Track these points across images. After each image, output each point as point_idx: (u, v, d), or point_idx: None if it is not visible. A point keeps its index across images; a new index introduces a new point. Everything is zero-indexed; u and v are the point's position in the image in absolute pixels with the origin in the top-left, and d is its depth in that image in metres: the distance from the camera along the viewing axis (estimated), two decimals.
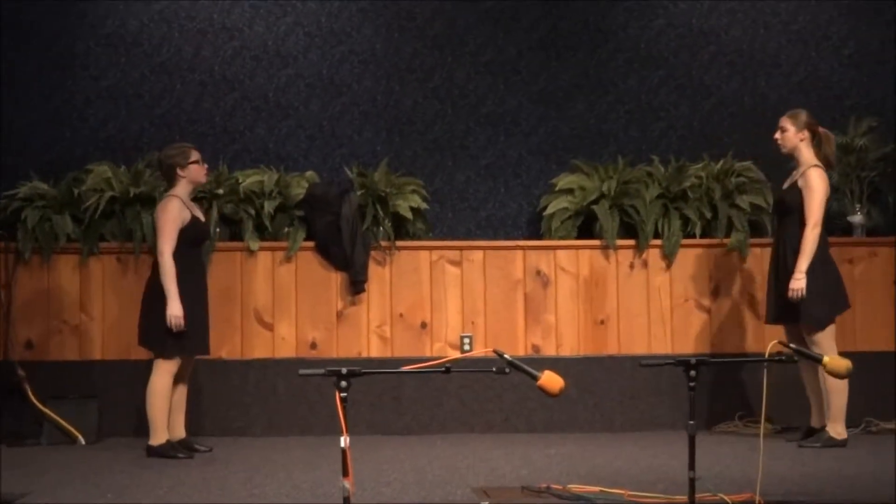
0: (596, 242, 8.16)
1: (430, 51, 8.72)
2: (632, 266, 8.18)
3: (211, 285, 7.25)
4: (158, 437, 6.84)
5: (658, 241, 8.13)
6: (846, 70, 8.84)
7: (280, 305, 8.02)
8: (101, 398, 7.76)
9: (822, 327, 6.98)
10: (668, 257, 8.14)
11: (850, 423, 7.47)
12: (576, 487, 5.39)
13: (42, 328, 7.92)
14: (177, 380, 6.94)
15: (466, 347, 8.06)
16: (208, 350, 7.15)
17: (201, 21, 8.63)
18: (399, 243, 8.10)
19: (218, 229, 7.92)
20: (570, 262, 8.17)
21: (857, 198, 8.34)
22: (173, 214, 6.84)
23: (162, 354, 6.85)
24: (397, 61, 8.71)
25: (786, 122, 7.15)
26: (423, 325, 8.09)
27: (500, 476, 6.00)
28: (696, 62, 8.81)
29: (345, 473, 4.05)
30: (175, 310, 6.74)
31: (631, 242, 8.16)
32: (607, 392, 8.03)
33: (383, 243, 8.07)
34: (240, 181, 8.08)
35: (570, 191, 8.28)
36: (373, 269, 8.06)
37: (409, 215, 8.08)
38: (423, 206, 8.22)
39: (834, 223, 8.39)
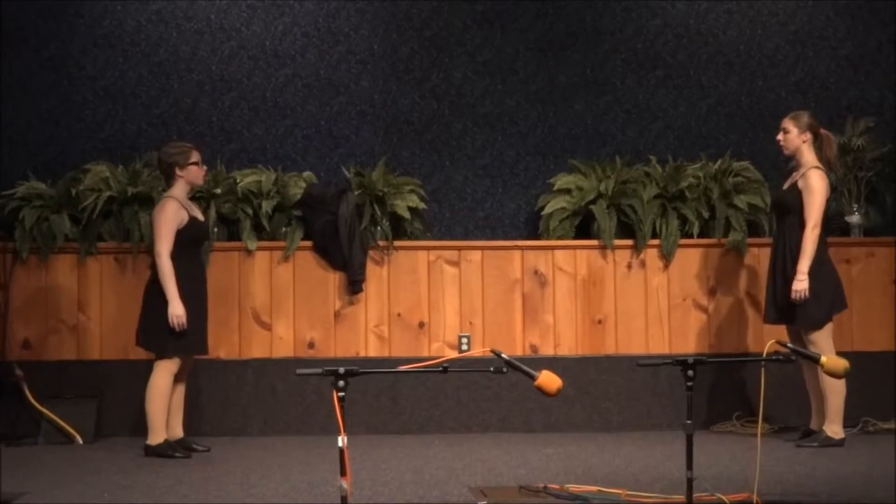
0: (594, 242, 8.16)
1: (428, 51, 8.72)
2: (629, 266, 8.18)
3: (209, 285, 7.24)
4: (156, 437, 6.84)
5: (656, 241, 8.14)
6: (843, 70, 8.85)
7: (278, 305, 8.02)
8: (99, 398, 7.76)
9: (819, 327, 6.99)
10: (666, 257, 8.14)
11: (848, 423, 7.48)
12: (573, 487, 5.40)
13: (40, 328, 7.92)
14: (175, 380, 6.94)
15: (464, 347, 8.06)
16: (207, 350, 7.15)
17: (199, 21, 8.63)
18: (397, 243, 8.10)
19: (216, 229, 7.92)
20: (567, 261, 8.17)
21: (854, 198, 8.35)
22: (170, 216, 6.85)
23: (163, 354, 6.85)
24: (395, 61, 8.71)
25: (788, 124, 7.17)
26: (421, 325, 8.09)
27: (498, 476, 6.00)
28: (693, 62, 8.81)
29: (342, 473, 4.06)
30: (176, 309, 6.75)
31: (629, 242, 8.16)
32: (605, 392, 8.03)
33: (381, 243, 8.07)
34: (237, 181, 8.08)
35: (567, 191, 8.28)
36: (370, 269, 8.06)
37: (407, 215, 8.08)
38: (421, 205, 8.22)
39: (832, 223, 8.39)
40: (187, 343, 6.87)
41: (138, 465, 6.54)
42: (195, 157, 7.00)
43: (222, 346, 7.87)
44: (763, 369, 5.09)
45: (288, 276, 8.04)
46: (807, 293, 6.90)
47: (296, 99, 8.65)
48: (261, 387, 7.92)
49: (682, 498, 4.64)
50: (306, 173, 8.32)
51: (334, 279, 8.06)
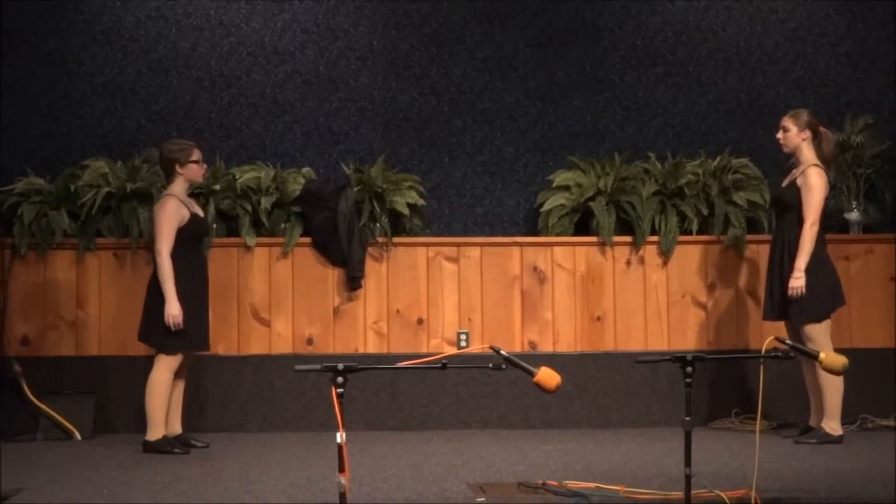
0: (593, 239, 8.16)
1: (427, 47, 8.71)
2: (628, 263, 8.18)
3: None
4: (155, 433, 6.84)
5: (655, 238, 8.14)
6: (843, 67, 8.84)
7: (277, 301, 8.02)
8: (98, 394, 7.77)
9: (816, 322, 6.99)
10: (665, 254, 8.14)
11: (846, 419, 7.49)
12: (572, 483, 5.40)
13: (38, 324, 7.92)
14: (175, 376, 6.95)
15: (463, 344, 8.06)
16: (208, 346, 7.16)
17: (198, 17, 8.62)
18: (396, 240, 8.10)
19: (215, 225, 7.92)
20: (566, 258, 8.17)
21: (853, 195, 8.35)
22: (171, 214, 6.85)
23: (164, 350, 6.85)
24: (394, 58, 8.70)
25: (788, 122, 7.18)
26: (420, 322, 8.09)
27: (497, 472, 6.00)
28: (692, 59, 8.81)
29: (341, 469, 4.06)
30: (173, 309, 6.75)
31: (628, 239, 8.16)
32: (604, 388, 8.03)
33: (380, 239, 8.07)
34: (236, 177, 8.08)
35: (566, 187, 8.28)
36: (369, 266, 8.06)
37: (406, 212, 8.08)
38: (420, 202, 8.21)
39: (831, 220, 8.39)
40: (189, 339, 6.88)
41: (137, 462, 6.54)
42: (196, 155, 7.00)
43: (221, 342, 7.87)
44: (762, 366, 5.09)
45: (287, 273, 8.04)
46: (803, 290, 6.92)
47: (295, 95, 8.65)
48: (259, 383, 7.93)
49: (680, 494, 4.64)
50: (305, 170, 8.31)
51: (333, 276, 8.06)
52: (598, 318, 8.15)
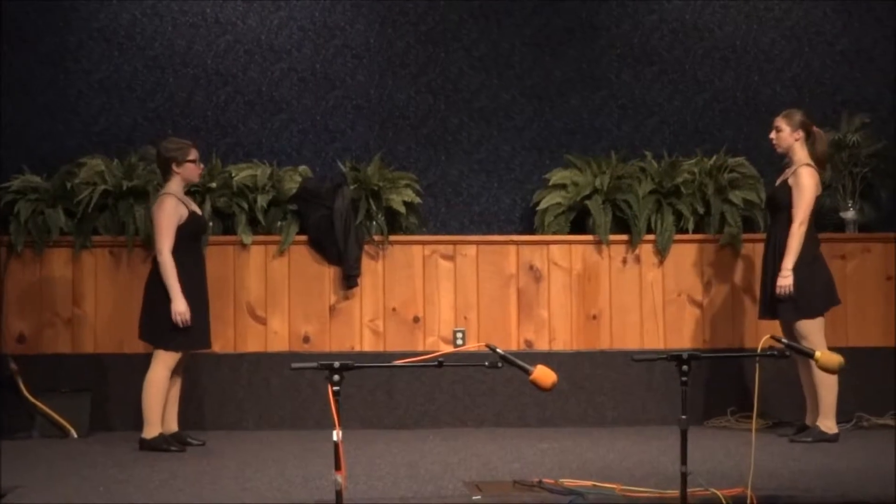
0: (589, 237, 8.17)
1: (424, 45, 8.71)
2: (624, 261, 8.19)
3: None
4: (151, 431, 6.84)
5: (651, 237, 8.14)
6: (839, 66, 8.85)
7: (273, 299, 8.02)
8: (94, 391, 7.76)
9: (809, 319, 6.99)
10: (661, 252, 8.15)
11: (842, 418, 7.50)
12: (568, 482, 5.41)
13: (34, 321, 7.91)
14: (172, 374, 6.95)
15: (459, 342, 8.06)
16: (210, 344, 7.15)
17: (194, 15, 8.61)
18: (392, 238, 8.10)
19: (211, 223, 7.91)
20: (563, 256, 8.18)
21: (849, 194, 8.36)
22: (169, 213, 6.86)
23: (165, 347, 6.85)
24: (391, 56, 8.70)
25: (781, 122, 7.20)
26: (416, 320, 8.09)
27: (493, 470, 6.01)
28: (689, 58, 8.81)
29: (337, 467, 4.06)
30: (180, 306, 6.76)
31: (624, 237, 8.17)
32: (600, 387, 8.04)
33: (376, 238, 8.07)
34: (233, 175, 8.07)
35: (563, 186, 8.28)
36: (366, 264, 8.06)
37: (403, 210, 8.08)
38: (417, 200, 8.22)
39: (826, 219, 8.41)
40: (190, 338, 6.88)
41: (133, 459, 6.54)
42: (193, 154, 7.01)
43: (217, 340, 7.85)
44: (758, 364, 5.11)
45: (283, 271, 8.04)
46: (791, 289, 6.94)
47: (291, 93, 8.64)
48: (256, 381, 7.92)
49: (676, 493, 4.65)
50: (302, 168, 8.31)
51: (329, 273, 8.06)
52: (595, 317, 8.15)
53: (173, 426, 7.07)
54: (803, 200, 7.02)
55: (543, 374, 4.25)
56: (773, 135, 7.23)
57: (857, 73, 8.84)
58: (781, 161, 7.56)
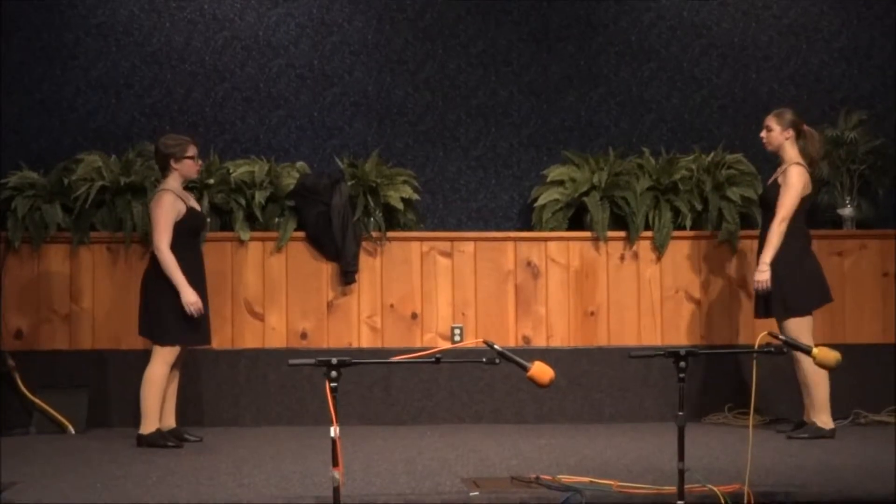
0: (586, 234, 8.17)
1: (422, 42, 8.71)
2: (622, 258, 8.19)
3: None
4: (149, 426, 6.84)
5: (648, 233, 8.15)
6: (837, 63, 8.85)
7: (270, 296, 8.02)
8: (92, 388, 7.76)
9: (795, 316, 7.02)
10: (659, 249, 8.15)
11: (839, 415, 7.51)
12: (565, 478, 5.41)
13: (32, 318, 7.91)
14: (170, 370, 6.95)
15: (457, 338, 8.06)
16: (209, 340, 7.15)
17: (192, 11, 8.61)
18: (390, 234, 8.10)
19: (209, 219, 7.91)
20: (560, 253, 8.18)
21: (847, 190, 8.36)
22: (167, 209, 6.85)
23: (162, 343, 6.86)
24: (388, 52, 8.70)
25: (771, 121, 7.22)
26: (414, 316, 8.09)
27: (490, 467, 6.01)
28: (686, 55, 8.81)
29: (335, 464, 4.06)
30: (189, 297, 6.77)
31: (621, 234, 8.17)
32: (597, 383, 8.04)
33: (374, 234, 8.07)
34: (230, 171, 8.07)
35: (560, 182, 8.28)
36: (363, 260, 8.06)
37: (400, 206, 8.09)
38: (414, 197, 8.22)
39: (824, 216, 8.42)
40: (189, 333, 6.88)
41: (131, 456, 6.54)
42: (192, 151, 7.00)
43: (215, 336, 7.82)
44: (755, 361, 5.10)
45: (281, 267, 8.04)
46: (768, 284, 6.97)
47: (289, 89, 8.64)
48: (253, 377, 7.93)
49: (673, 489, 4.65)
50: (299, 164, 8.31)
51: (327, 270, 8.06)
52: (592, 313, 8.16)
53: (171, 422, 7.07)
54: (788, 197, 7.03)
55: (541, 371, 4.25)
56: (763, 134, 7.25)
57: (855, 70, 8.84)
58: (778, 158, 7.56)
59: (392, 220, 8.15)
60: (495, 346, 4.26)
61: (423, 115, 8.68)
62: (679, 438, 4.48)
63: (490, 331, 8.02)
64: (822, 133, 7.56)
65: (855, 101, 8.69)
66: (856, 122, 8.40)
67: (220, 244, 7.97)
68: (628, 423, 7.91)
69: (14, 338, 7.87)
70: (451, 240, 8.19)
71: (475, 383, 7.97)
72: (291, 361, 4.26)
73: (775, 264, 7.03)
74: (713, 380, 7.95)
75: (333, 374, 4.08)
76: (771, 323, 7.22)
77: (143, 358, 6.95)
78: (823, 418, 7.04)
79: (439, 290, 8.10)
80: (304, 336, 8.01)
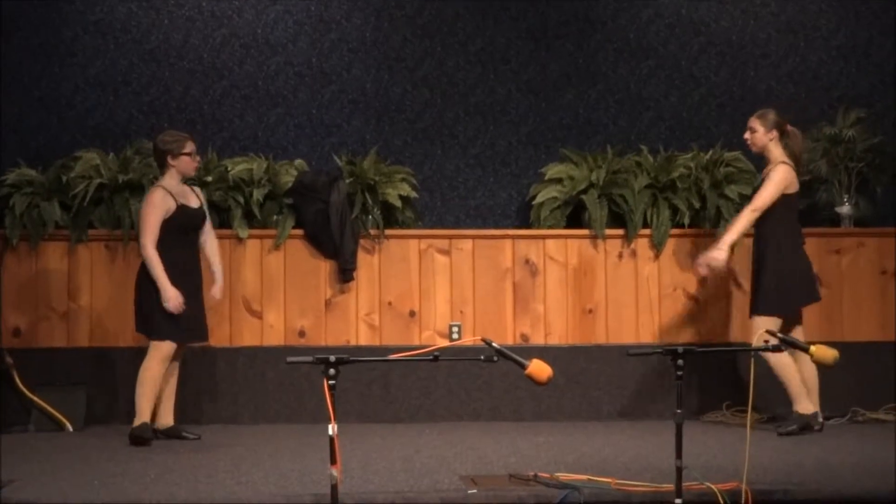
0: (585, 232, 8.17)
1: (420, 40, 8.71)
2: (620, 255, 8.19)
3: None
4: (137, 420, 6.86)
5: (647, 231, 8.15)
6: (835, 61, 8.85)
7: (268, 293, 8.02)
8: (90, 385, 7.76)
9: (766, 313, 7.07)
10: (657, 247, 8.15)
11: (837, 412, 7.54)
12: (563, 476, 5.41)
13: (30, 315, 7.91)
14: (168, 368, 6.96)
15: (455, 336, 8.06)
16: (205, 337, 7.13)
17: (190, 9, 8.61)
18: (388, 232, 8.10)
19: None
20: (558, 251, 8.18)
21: (845, 188, 8.36)
22: (153, 206, 6.86)
23: (156, 338, 6.87)
24: (387, 50, 8.70)
25: (755, 123, 7.26)
26: (412, 314, 8.09)
27: (488, 464, 6.01)
28: (685, 53, 8.82)
29: (333, 461, 4.06)
30: (168, 293, 6.77)
31: (619, 232, 8.17)
32: (595, 381, 8.04)
33: (372, 232, 8.07)
34: (229, 169, 8.07)
35: (559, 180, 8.28)
36: (361, 258, 8.06)
37: (399, 204, 8.08)
38: (413, 194, 8.22)
39: (822, 214, 8.43)
40: (183, 329, 6.88)
41: (129, 453, 6.54)
42: (189, 147, 6.99)
43: (213, 333, 7.84)
44: (753, 359, 5.11)
45: (279, 265, 8.04)
46: (722, 264, 7.02)
47: (287, 87, 8.64)
48: (251, 375, 7.93)
49: (671, 487, 4.65)
50: (298, 161, 8.31)
51: (325, 267, 8.06)
52: (590, 311, 8.16)
53: (169, 420, 7.08)
54: (765, 190, 7.09)
55: (539, 369, 4.25)
56: (747, 135, 7.31)
57: (853, 68, 8.85)
58: (764, 159, 7.57)
59: (390, 217, 8.14)
60: (493, 344, 4.26)
61: (422, 112, 8.68)
62: (677, 436, 4.48)
63: (488, 328, 8.03)
64: (806, 132, 7.58)
65: (853, 99, 8.69)
66: (854, 120, 8.40)
67: (219, 242, 7.94)
68: (626, 420, 7.91)
69: (12, 335, 7.87)
70: (450, 237, 8.19)
71: (473, 381, 7.98)
72: (290, 359, 4.26)
73: (766, 261, 7.09)
74: (711, 378, 7.95)
75: (331, 371, 4.08)
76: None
77: (142, 355, 6.95)
78: (803, 404, 7.10)
79: (437, 288, 8.11)
80: (302, 334, 8.01)
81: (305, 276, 8.04)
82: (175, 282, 6.81)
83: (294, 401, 7.88)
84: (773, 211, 7.11)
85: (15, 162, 8.11)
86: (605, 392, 8.04)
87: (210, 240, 7.23)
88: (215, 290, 7.18)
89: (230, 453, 6.49)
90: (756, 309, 7.16)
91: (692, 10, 8.83)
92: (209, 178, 7.96)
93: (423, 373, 7.94)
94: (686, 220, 8.14)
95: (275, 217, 8.06)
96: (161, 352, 6.88)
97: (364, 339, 8.05)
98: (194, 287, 7.01)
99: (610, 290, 8.16)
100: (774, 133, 7.21)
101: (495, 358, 4.26)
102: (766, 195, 7.08)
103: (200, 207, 7.16)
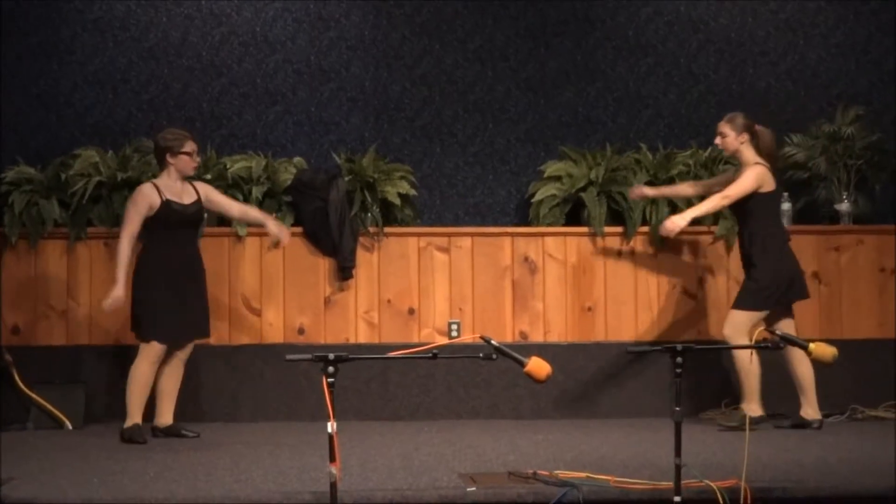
0: (584, 229, 8.17)
1: (419, 37, 8.70)
2: (619, 253, 8.19)
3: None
4: (127, 420, 6.88)
5: (646, 229, 8.15)
6: (834, 59, 8.85)
7: (268, 291, 8.02)
8: (88, 384, 7.76)
9: (741, 308, 7.16)
10: (656, 244, 8.15)
11: (836, 410, 7.55)
12: (562, 473, 5.41)
13: (29, 313, 7.91)
14: (171, 366, 6.95)
15: (454, 334, 8.06)
16: (199, 336, 7.11)
17: (189, 6, 8.60)
18: (387, 229, 8.10)
19: (206, 215, 7.90)
20: (557, 248, 8.18)
21: (844, 186, 8.36)
22: (133, 201, 6.92)
23: (142, 338, 6.91)
24: (385, 48, 8.69)
25: (724, 128, 7.31)
26: (411, 312, 8.09)
27: (487, 462, 6.01)
28: (684, 50, 8.81)
29: (332, 459, 4.07)
30: (117, 292, 6.83)
31: (618, 229, 8.17)
32: (594, 379, 8.05)
33: (371, 229, 8.07)
34: (227, 167, 8.06)
35: (558, 178, 8.28)
36: (361, 255, 8.06)
37: (398, 201, 8.08)
38: (412, 192, 8.22)
39: (821, 211, 8.43)
40: (167, 330, 6.87)
41: (128, 451, 6.54)
42: (189, 147, 6.99)
43: (212, 331, 7.85)
44: (752, 356, 5.11)
45: (278, 262, 8.04)
46: (675, 228, 7.13)
47: (286, 85, 8.64)
48: (250, 373, 7.92)
49: (670, 485, 4.66)
50: (296, 159, 8.31)
51: (324, 265, 8.06)
52: (589, 309, 8.16)
53: (168, 419, 7.08)
54: (738, 186, 7.15)
55: (538, 366, 4.25)
56: (718, 140, 7.36)
57: (852, 65, 8.84)
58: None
59: (389, 215, 8.14)
60: (492, 342, 4.26)
61: (421, 110, 8.68)
62: (676, 434, 4.49)
63: (487, 326, 8.02)
64: (774, 131, 7.63)
65: (852, 97, 8.69)
66: (853, 118, 8.40)
67: (218, 239, 7.97)
68: (625, 418, 7.91)
69: (11, 333, 7.87)
70: (449, 235, 8.19)
71: (472, 379, 7.98)
72: (289, 357, 4.27)
73: (753, 260, 7.19)
74: (710, 375, 7.94)
75: (330, 369, 4.08)
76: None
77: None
78: (753, 406, 7.17)
79: (436, 286, 8.11)
80: (301, 331, 8.01)
81: (304, 274, 8.04)
82: (158, 280, 6.84)
83: (293, 398, 7.88)
84: (752, 212, 7.20)
85: (14, 160, 8.11)
86: (603, 390, 8.04)
87: (236, 207, 7.30)
88: (273, 230, 7.18)
89: (229, 451, 6.49)
90: (736, 302, 7.25)
91: (691, 7, 8.82)
92: (208, 176, 7.95)
93: (422, 370, 7.94)
94: None
95: (274, 215, 8.05)
96: (148, 353, 6.88)
97: (363, 336, 8.05)
98: (181, 286, 6.97)
99: (609, 287, 8.16)
100: (745, 136, 7.27)
101: (494, 356, 4.27)
102: (740, 187, 7.14)
103: (195, 203, 7.07)
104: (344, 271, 8.01)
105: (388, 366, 7.89)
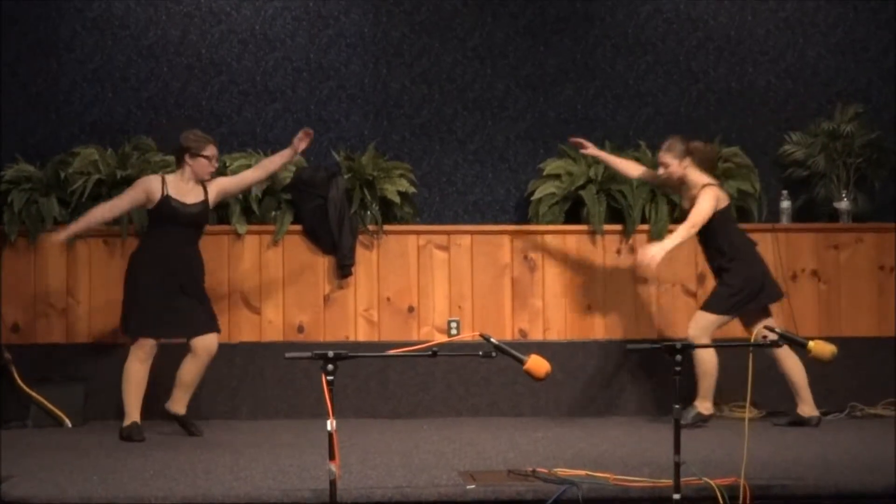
0: (583, 227, 8.17)
1: (418, 35, 8.70)
2: (619, 251, 8.20)
3: None
4: (125, 419, 6.89)
5: (645, 227, 8.15)
6: (833, 57, 8.85)
7: (267, 289, 8.02)
8: (88, 381, 7.76)
9: (706, 311, 7.21)
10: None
11: (835, 407, 7.55)
12: (562, 471, 5.41)
13: (29, 311, 7.91)
14: (192, 358, 6.96)
15: (453, 332, 8.06)
16: (185, 334, 7.03)
17: (188, 4, 8.60)
18: (386, 227, 8.10)
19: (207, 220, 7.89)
20: (557, 246, 8.18)
21: (843, 184, 8.37)
22: (137, 185, 7.00)
23: (129, 335, 6.97)
24: (385, 46, 8.69)
25: (665, 157, 7.37)
26: (411, 310, 8.09)
27: (487, 460, 6.01)
28: (683, 48, 8.81)
29: (331, 457, 4.07)
30: (60, 234, 7.02)
31: (618, 227, 8.17)
32: (594, 376, 8.05)
33: (371, 227, 8.07)
34: (227, 165, 8.06)
35: (557, 176, 8.29)
36: (360, 253, 8.06)
37: (397, 199, 8.08)
38: (411, 190, 8.22)
39: (820, 209, 8.43)
40: (154, 326, 6.87)
41: (127, 449, 6.54)
42: (209, 151, 6.99)
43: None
44: (751, 355, 5.12)
45: (277, 260, 8.04)
46: (654, 262, 7.06)
47: (285, 83, 8.64)
48: (250, 371, 7.93)
49: (669, 482, 4.66)
50: (296, 157, 8.29)
51: (324, 263, 8.06)
52: (589, 307, 8.16)
53: (180, 409, 7.07)
54: (699, 212, 7.13)
55: (537, 364, 4.26)
56: (661, 171, 7.36)
57: (851, 63, 8.84)
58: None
59: (388, 213, 8.14)
60: (492, 340, 4.27)
61: (420, 108, 8.68)
62: (675, 431, 4.49)
63: (487, 324, 8.03)
64: (709, 143, 7.68)
65: (851, 94, 8.69)
66: (852, 115, 8.41)
67: (217, 237, 7.96)
68: (624, 416, 7.92)
69: (10, 331, 7.87)
70: (448, 233, 8.19)
71: (472, 377, 7.98)
72: (288, 355, 4.27)
73: (724, 271, 7.23)
74: None
75: (330, 367, 4.08)
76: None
77: None
78: (706, 404, 7.24)
79: (436, 284, 8.11)
80: (300, 329, 8.02)
81: (304, 272, 8.04)
82: (149, 278, 6.86)
83: (293, 396, 7.88)
84: (716, 230, 7.23)
85: (13, 158, 8.11)
86: (603, 387, 8.05)
87: (249, 174, 7.34)
88: (295, 145, 7.19)
89: (229, 449, 6.49)
90: (705, 304, 7.29)
91: (690, 5, 8.82)
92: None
93: (421, 368, 7.94)
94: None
95: (273, 213, 8.06)
96: (138, 350, 6.90)
97: (363, 334, 8.05)
98: (177, 283, 6.94)
99: (608, 285, 8.17)
100: (687, 160, 7.30)
101: (494, 353, 4.27)
102: (701, 214, 7.13)
103: (198, 205, 7.04)
104: (343, 269, 8.01)
105: (387, 364, 7.89)
